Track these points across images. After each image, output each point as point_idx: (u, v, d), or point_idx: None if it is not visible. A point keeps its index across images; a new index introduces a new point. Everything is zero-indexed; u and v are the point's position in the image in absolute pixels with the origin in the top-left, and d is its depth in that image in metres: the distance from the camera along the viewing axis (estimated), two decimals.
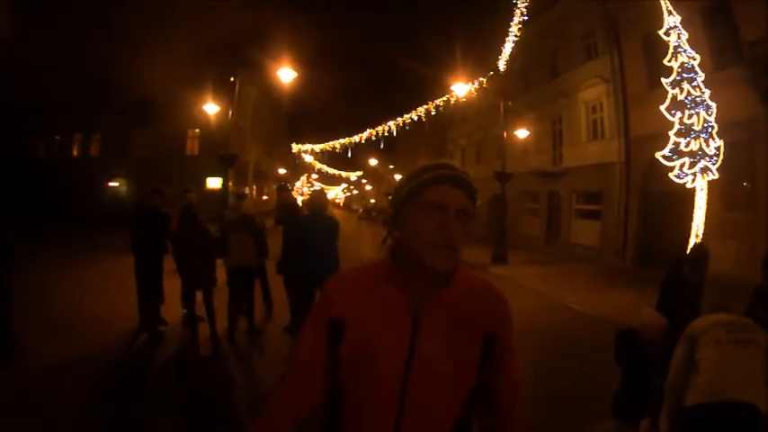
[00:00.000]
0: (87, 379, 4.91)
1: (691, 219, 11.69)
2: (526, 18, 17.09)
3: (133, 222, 6.90)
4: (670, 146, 11.84)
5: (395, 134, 30.98)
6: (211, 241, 6.55)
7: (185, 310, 6.62)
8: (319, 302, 1.31)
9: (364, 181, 74.59)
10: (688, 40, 11.22)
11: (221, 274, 6.61)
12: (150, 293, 6.71)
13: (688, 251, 5.20)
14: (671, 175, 11.85)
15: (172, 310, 6.96)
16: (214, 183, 26.92)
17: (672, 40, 11.39)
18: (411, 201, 1.20)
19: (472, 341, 1.23)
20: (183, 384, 5.08)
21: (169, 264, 6.71)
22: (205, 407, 4.54)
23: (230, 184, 25.02)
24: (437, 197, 1.17)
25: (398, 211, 1.24)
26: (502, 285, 5.22)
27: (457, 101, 23.60)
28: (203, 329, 6.32)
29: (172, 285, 6.79)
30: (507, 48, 18.04)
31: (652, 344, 3.38)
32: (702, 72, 11.10)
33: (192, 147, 30.40)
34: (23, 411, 4.14)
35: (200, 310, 6.44)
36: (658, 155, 12.10)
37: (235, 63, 23.61)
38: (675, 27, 11.26)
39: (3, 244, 5.36)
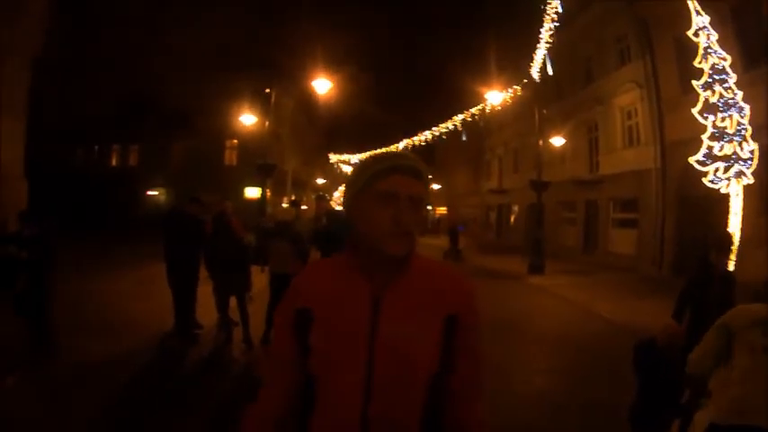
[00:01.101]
0: (120, 377, 5.12)
1: (726, 225, 11.25)
2: (556, 24, 16.89)
3: (165, 228, 6.98)
4: (703, 150, 11.50)
5: (431, 143, 31.05)
6: (246, 248, 6.69)
7: (220, 315, 6.73)
8: (287, 296, 1.37)
9: None
10: (718, 41, 10.87)
11: (262, 279, 6.74)
12: (185, 298, 6.80)
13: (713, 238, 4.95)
14: (705, 180, 11.48)
15: (208, 314, 7.08)
16: (252, 192, 27.45)
17: (701, 40, 11.07)
18: (364, 192, 1.26)
19: (434, 323, 1.26)
20: (213, 385, 5.16)
21: (204, 270, 6.86)
22: (235, 408, 4.70)
23: (268, 193, 25.65)
24: (387, 187, 1.22)
25: (353, 203, 1.30)
26: (538, 296, 7.99)
27: (492, 109, 23.49)
28: (238, 334, 6.49)
29: (207, 290, 6.92)
30: (539, 54, 17.88)
31: (671, 353, 3.25)
32: (734, 73, 10.73)
33: (231, 157, 31.06)
34: (60, 404, 4.34)
35: (236, 315, 6.62)
36: (692, 160, 11.74)
37: (271, 74, 24.30)
38: (704, 27, 10.95)
39: (46, 245, 5.55)
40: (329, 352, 1.23)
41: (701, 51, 11.15)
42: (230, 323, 6.58)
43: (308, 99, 32.25)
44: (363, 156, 37.89)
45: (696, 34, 11.19)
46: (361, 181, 1.26)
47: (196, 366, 5.81)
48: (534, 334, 8.35)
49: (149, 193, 30.97)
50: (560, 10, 16.86)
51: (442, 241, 34.02)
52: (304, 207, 40.05)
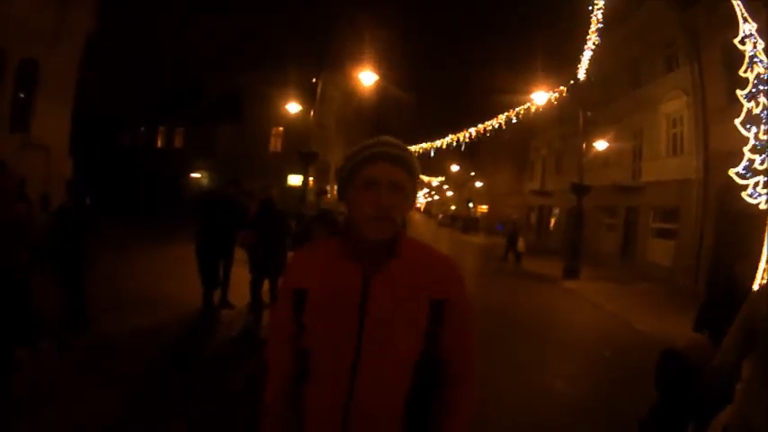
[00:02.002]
0: (147, 351, 5.33)
1: (762, 242, 10.83)
2: (601, 26, 16.50)
3: (201, 208, 7.24)
4: (744, 163, 11.07)
5: (475, 140, 30.82)
6: (287, 233, 6.93)
7: (252, 296, 6.91)
8: (285, 276, 1.46)
9: (446, 187, 74.18)
10: (765, 50, 10.42)
11: None
12: (216, 278, 7.02)
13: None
14: (744, 194, 11.07)
15: (241, 295, 7.27)
16: (295, 180, 27.89)
17: (747, 49, 10.63)
18: (351, 179, 1.33)
19: (421, 306, 1.31)
20: (237, 365, 5.18)
21: (238, 252, 7.09)
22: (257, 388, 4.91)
23: (311, 181, 26.13)
24: (369, 174, 1.29)
25: (342, 190, 1.37)
26: (569, 300, 8.53)
27: (537, 109, 23.15)
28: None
29: (241, 272, 7.14)
30: (586, 56, 17.50)
31: (698, 366, 2.88)
32: None
33: (276, 144, 31.41)
34: (90, 374, 4.58)
35: (268, 298, 6.81)
36: (732, 172, 11.34)
37: (319, 64, 24.65)
38: (751, 35, 10.51)
39: (80, 218, 5.66)
40: (321, 330, 1.31)
41: (746, 60, 10.72)
42: (261, 305, 6.75)
43: (355, 92, 32.56)
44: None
45: (743, 42, 10.76)
46: (347, 169, 1.34)
47: (223, 345, 5.92)
48: (561, 338, 8.30)
49: (193, 175, 31.61)
50: (605, 11, 16.43)
51: (481, 239, 33.99)
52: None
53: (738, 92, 11.03)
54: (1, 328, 4.04)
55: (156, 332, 6.00)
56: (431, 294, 1.32)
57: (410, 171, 1.33)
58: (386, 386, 1.29)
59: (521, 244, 18.45)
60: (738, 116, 11.18)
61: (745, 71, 10.83)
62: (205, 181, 30.59)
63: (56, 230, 5.34)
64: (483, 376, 1.49)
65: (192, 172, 31.62)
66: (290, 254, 7.03)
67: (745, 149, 10.97)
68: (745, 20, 10.64)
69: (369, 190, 1.28)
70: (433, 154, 34.80)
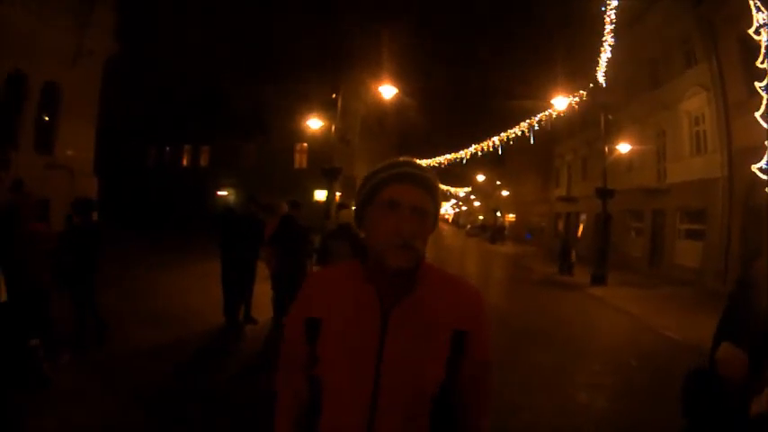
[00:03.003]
0: (165, 366, 5.36)
1: None
2: (614, 26, 16.34)
3: (222, 226, 7.33)
4: (767, 157, 10.79)
5: (500, 150, 30.69)
6: (309, 249, 7.03)
7: (275, 312, 6.97)
8: (297, 303, 1.35)
9: (473, 197, 73.73)
10: None
11: None
12: (238, 294, 7.11)
13: None
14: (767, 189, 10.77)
15: (266, 311, 7.33)
16: (321, 195, 28.17)
17: (763, 39, 10.40)
18: (370, 201, 1.22)
19: (442, 338, 1.23)
20: (259, 381, 5.06)
21: (262, 269, 7.19)
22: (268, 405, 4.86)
23: (338, 196, 26.33)
24: (391, 196, 1.18)
25: (361, 212, 1.26)
26: (597, 307, 8.64)
27: (559, 115, 22.97)
28: None
29: (263, 288, 7.22)
30: (603, 58, 17.34)
31: (733, 388, 2.29)
32: None
33: (301, 160, 31.69)
34: (110, 387, 4.62)
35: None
36: (755, 167, 11.06)
37: (340, 79, 24.95)
38: (765, 25, 10.27)
39: (92, 230, 5.73)
40: (336, 363, 1.23)
41: (762, 50, 10.48)
42: (282, 322, 6.74)
43: (379, 105, 32.81)
44: (432, 161, 38.12)
45: (757, 32, 10.53)
46: (367, 189, 1.24)
47: (245, 361, 5.90)
48: (585, 346, 8.11)
49: (219, 193, 31.93)
50: (619, 12, 16.29)
51: (508, 248, 33.64)
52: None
53: (757, 84, 10.78)
54: (21, 342, 4.26)
55: (179, 347, 6.06)
56: (453, 326, 1.24)
57: (433, 194, 1.24)
58: (406, 419, 1.21)
59: (573, 255, 18.05)
60: (758, 109, 10.93)
61: (762, 62, 10.59)
62: (231, 198, 30.87)
63: (64, 248, 5.40)
64: (505, 385, 1.44)
65: (218, 189, 31.97)
66: (315, 268, 7.11)
67: (767, 143, 10.69)
68: (759, 9, 10.41)
69: (390, 212, 1.18)
70: (462, 162, 34.77)
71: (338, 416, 1.23)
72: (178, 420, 4.15)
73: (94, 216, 6.07)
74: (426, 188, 1.21)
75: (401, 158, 1.26)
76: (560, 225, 33.58)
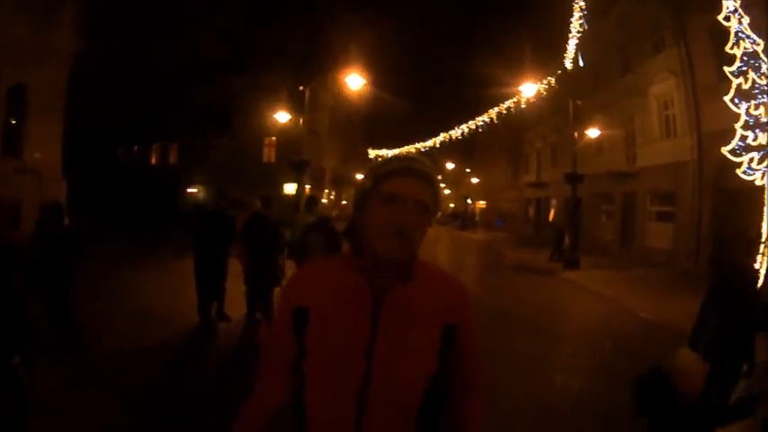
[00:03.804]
0: (142, 367, 5.27)
1: (761, 218, 10.76)
2: (584, 13, 16.49)
3: (195, 223, 7.24)
4: (737, 140, 11.00)
5: (468, 137, 30.82)
6: (281, 244, 6.90)
7: (248, 308, 6.88)
8: (284, 293, 1.35)
9: (443, 185, 74.24)
10: (750, 25, 10.36)
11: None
12: (211, 292, 7.01)
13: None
14: (738, 171, 11.00)
15: (239, 308, 7.21)
16: (291, 188, 27.91)
17: (733, 25, 10.58)
18: (371, 195, 1.23)
19: (432, 331, 1.25)
20: (234, 378, 5.02)
21: (235, 265, 7.05)
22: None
23: (307, 189, 26.08)
24: (394, 188, 1.19)
25: (362, 203, 1.26)
26: (571, 291, 8.55)
27: (527, 102, 23.16)
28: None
29: (237, 285, 7.08)
30: (571, 45, 17.49)
31: (690, 396, 2.58)
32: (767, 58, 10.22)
33: (269, 154, 31.41)
34: (87, 388, 4.52)
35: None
36: (725, 150, 11.28)
37: (308, 71, 24.53)
38: (735, 11, 10.46)
39: (70, 233, 5.61)
40: (325, 356, 1.21)
41: (732, 37, 10.67)
42: (255, 318, 6.72)
43: (346, 96, 32.53)
44: (402, 150, 38.11)
45: (727, 19, 10.71)
46: (369, 181, 1.25)
47: (220, 359, 5.86)
48: (560, 330, 8.19)
49: (189, 190, 31.66)
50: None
51: (479, 236, 33.91)
52: (344, 202, 40.54)
53: (726, 68, 10.97)
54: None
55: (153, 346, 5.96)
56: (443, 318, 1.26)
57: (435, 190, 1.26)
58: (396, 412, 1.21)
59: (565, 242, 17.27)
60: (728, 93, 11.13)
61: (732, 48, 10.78)
62: (201, 195, 30.66)
63: (35, 253, 5.26)
64: (483, 371, 1.44)
65: (188, 187, 31.66)
66: (287, 263, 7.00)
67: (737, 126, 10.90)
68: None
69: (391, 205, 1.19)
70: (432, 151, 34.81)
71: (326, 410, 1.22)
72: (163, 420, 4.12)
73: (65, 221, 5.88)
74: (428, 183, 1.23)
75: (408, 153, 1.26)
76: (531, 211, 34.06)
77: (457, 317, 1.29)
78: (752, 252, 9.87)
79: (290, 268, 7.23)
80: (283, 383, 1.32)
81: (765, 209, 10.68)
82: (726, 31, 11.13)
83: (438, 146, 34.38)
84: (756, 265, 9.83)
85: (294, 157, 17.88)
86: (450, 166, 55.42)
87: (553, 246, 17.98)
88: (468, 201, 48.11)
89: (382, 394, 1.19)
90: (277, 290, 6.64)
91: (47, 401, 4.06)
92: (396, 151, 37.95)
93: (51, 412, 3.96)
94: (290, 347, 1.27)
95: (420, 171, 1.23)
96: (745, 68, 10.51)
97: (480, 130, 28.96)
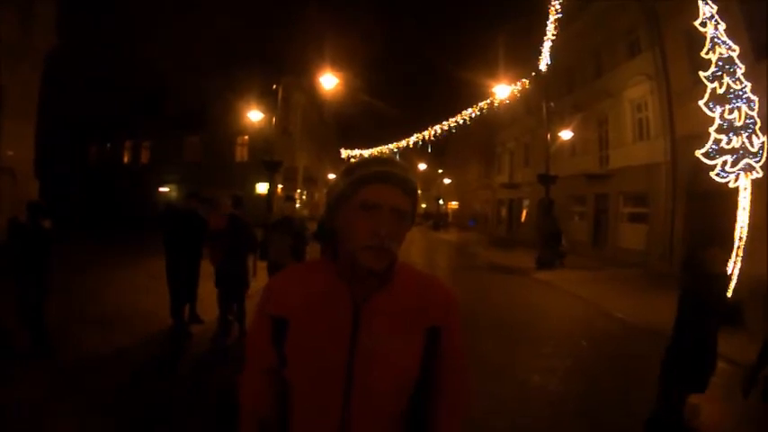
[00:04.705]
0: (118, 370, 5.16)
1: (734, 220, 10.97)
2: (560, 16, 16.64)
3: (166, 223, 7.03)
4: (711, 143, 11.19)
5: (441, 138, 30.84)
6: (253, 244, 6.75)
7: (220, 310, 6.72)
8: (262, 302, 1.30)
9: None
10: (726, 31, 10.54)
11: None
12: (184, 293, 6.88)
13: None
14: (712, 174, 11.19)
15: (210, 310, 7.13)
16: (264, 188, 27.59)
17: (709, 31, 10.75)
18: (346, 199, 1.18)
19: (415, 335, 1.22)
20: (205, 381, 5.05)
21: (207, 266, 6.87)
22: (224, 404, 4.67)
23: (280, 189, 25.73)
24: (369, 196, 1.14)
25: (334, 210, 1.21)
26: (544, 292, 8.12)
27: (501, 103, 23.28)
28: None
29: (209, 287, 6.92)
30: (546, 47, 17.62)
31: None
32: (743, 64, 10.41)
33: (242, 153, 31.01)
34: (55, 399, 4.34)
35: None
36: (698, 153, 11.46)
37: (280, 70, 24.26)
38: (712, 17, 10.62)
39: (44, 235, 5.43)
40: (306, 364, 1.19)
41: (707, 42, 10.84)
42: (227, 320, 6.59)
43: (319, 95, 32.23)
44: (374, 151, 37.95)
45: (704, 24, 10.86)
46: (344, 185, 1.18)
47: (193, 362, 5.80)
48: (538, 332, 8.16)
49: (161, 189, 31.22)
50: (565, 1, 16.57)
51: (452, 236, 34.04)
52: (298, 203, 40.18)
53: (701, 73, 11.13)
54: None
55: (127, 349, 5.84)
56: (426, 322, 1.23)
57: (413, 195, 1.20)
58: (381, 418, 1.20)
59: (563, 243, 16.33)
60: (702, 97, 11.31)
61: (707, 53, 10.96)
62: (173, 194, 30.16)
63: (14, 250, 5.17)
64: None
65: (160, 186, 31.16)
66: (259, 263, 6.76)
67: (711, 130, 11.08)
68: (706, 2, 10.75)
69: (368, 213, 1.14)
70: (404, 151, 34.78)
71: (310, 417, 1.20)
72: (135, 426, 4.06)
73: (47, 223, 5.61)
74: (406, 189, 1.17)
75: (382, 156, 1.19)
76: (503, 211, 34.33)
77: (441, 320, 1.25)
78: (724, 254, 10.05)
79: (261, 269, 7.19)
80: (266, 386, 1.30)
81: (738, 211, 10.91)
82: (701, 37, 11.31)
83: (411, 146, 34.30)
84: (728, 268, 10.00)
85: (267, 157, 17.67)
86: (422, 166, 55.58)
87: (544, 248, 16.32)
88: (440, 201, 48.27)
89: (365, 401, 1.17)
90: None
91: (17, 409, 3.99)
92: (369, 152, 37.78)
93: (22, 421, 3.88)
94: (270, 355, 1.24)
95: (400, 177, 1.17)
96: (720, 73, 10.67)
97: (453, 131, 29.00)
